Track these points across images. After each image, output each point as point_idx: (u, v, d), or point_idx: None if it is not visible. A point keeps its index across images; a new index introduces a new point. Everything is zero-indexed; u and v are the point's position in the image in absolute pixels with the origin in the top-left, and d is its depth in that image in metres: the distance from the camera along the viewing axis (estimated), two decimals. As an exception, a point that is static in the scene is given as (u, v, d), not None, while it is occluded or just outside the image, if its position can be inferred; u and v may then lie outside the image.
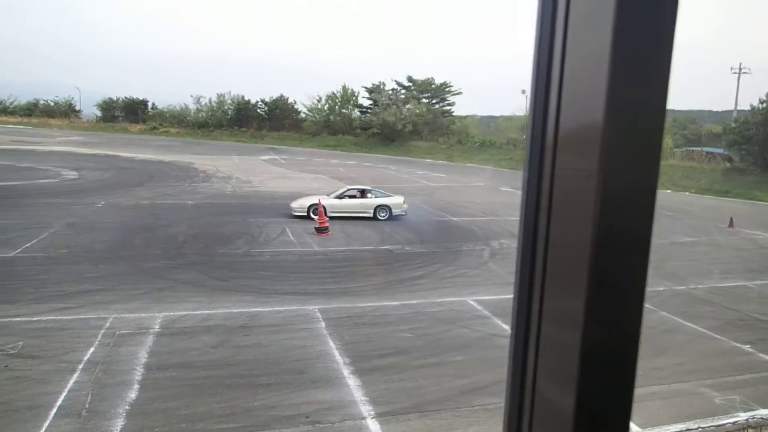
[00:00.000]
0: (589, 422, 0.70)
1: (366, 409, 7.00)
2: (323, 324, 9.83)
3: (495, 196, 26.73)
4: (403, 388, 7.62)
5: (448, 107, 58.42)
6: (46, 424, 6.35)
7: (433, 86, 58.00)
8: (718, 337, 9.94)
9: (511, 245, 16.57)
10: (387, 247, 15.85)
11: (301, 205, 18.97)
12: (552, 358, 0.76)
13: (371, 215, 19.20)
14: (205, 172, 31.48)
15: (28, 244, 14.25)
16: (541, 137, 0.76)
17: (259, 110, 62.82)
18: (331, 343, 9.01)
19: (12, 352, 8.22)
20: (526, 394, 0.81)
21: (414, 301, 11.23)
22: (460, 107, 69.33)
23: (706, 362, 8.94)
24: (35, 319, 9.55)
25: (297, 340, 9.15)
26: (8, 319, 9.43)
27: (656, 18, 0.63)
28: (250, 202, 22.48)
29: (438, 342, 9.30)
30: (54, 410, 6.65)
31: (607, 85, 0.64)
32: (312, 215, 17.90)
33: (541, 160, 0.76)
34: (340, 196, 19.53)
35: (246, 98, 62.24)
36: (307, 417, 6.76)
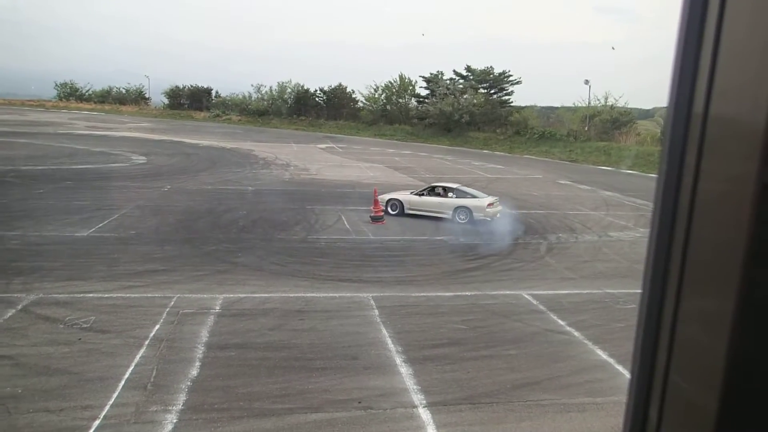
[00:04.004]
0: (734, 424, 0.68)
1: (418, 398, 7.04)
2: (377, 312, 9.92)
3: (554, 188, 26.05)
4: (455, 379, 7.61)
5: (506, 97, 57.23)
6: (114, 395, 6.73)
7: (491, 75, 56.88)
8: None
9: (568, 240, 16.17)
10: (442, 237, 15.80)
11: (381, 199, 18.15)
12: (689, 358, 0.73)
13: (449, 216, 17.51)
14: (264, 159, 32.22)
15: (101, 225, 15.06)
16: (683, 135, 0.71)
17: (317, 99, 63.65)
18: (384, 331, 9.09)
19: (85, 326, 8.74)
20: (654, 391, 0.80)
21: (468, 293, 11.16)
22: (520, 97, 67.81)
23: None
24: (106, 295, 10.10)
25: (351, 326, 9.28)
26: (82, 295, 10.03)
27: None
28: (308, 190, 22.88)
29: (491, 335, 9.22)
30: (122, 383, 7.03)
31: None
32: (390, 210, 17.90)
33: (682, 159, 0.71)
34: (420, 194, 18.39)
35: (305, 87, 63.25)
36: (359, 402, 6.87)
